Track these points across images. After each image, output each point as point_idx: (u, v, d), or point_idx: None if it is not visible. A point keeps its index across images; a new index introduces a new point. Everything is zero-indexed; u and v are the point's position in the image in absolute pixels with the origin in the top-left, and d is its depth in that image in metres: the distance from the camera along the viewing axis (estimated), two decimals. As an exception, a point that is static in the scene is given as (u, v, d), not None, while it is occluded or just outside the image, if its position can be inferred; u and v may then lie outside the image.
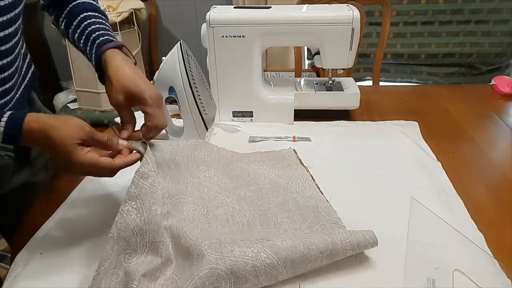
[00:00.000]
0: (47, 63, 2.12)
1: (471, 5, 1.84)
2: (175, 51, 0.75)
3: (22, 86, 0.68)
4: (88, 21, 0.63)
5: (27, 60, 0.71)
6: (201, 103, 0.77)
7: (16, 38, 0.62)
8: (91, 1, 0.67)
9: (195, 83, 0.77)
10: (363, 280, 0.48)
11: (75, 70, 1.69)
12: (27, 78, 0.70)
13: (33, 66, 0.70)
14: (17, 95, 0.65)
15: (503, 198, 0.64)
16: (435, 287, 0.47)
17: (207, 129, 0.78)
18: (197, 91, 0.77)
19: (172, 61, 0.75)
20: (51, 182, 0.74)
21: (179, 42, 0.76)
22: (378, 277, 0.49)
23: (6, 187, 0.70)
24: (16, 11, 0.59)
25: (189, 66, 0.76)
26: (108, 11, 1.68)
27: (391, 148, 0.79)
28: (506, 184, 0.68)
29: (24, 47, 0.69)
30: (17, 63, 0.64)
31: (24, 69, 0.69)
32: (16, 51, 0.63)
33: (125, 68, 0.56)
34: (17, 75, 0.65)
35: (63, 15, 0.66)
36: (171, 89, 0.77)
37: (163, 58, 0.77)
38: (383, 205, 0.62)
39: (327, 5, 1.08)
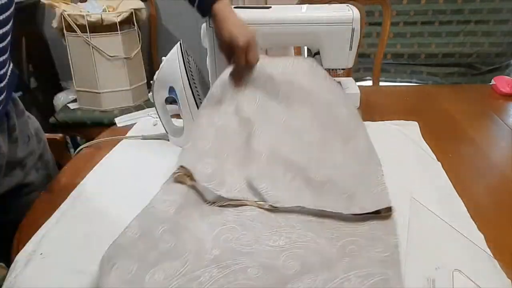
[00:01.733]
0: (47, 63, 2.12)
1: (471, 5, 1.84)
2: (175, 51, 0.75)
3: (6, 86, 0.67)
4: None
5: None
6: (201, 103, 0.77)
7: (9, 37, 0.62)
8: None
9: (195, 83, 0.77)
10: (363, 280, 0.48)
11: (75, 70, 1.69)
12: (7, 77, 0.69)
13: (11, 65, 0.70)
14: (5, 96, 0.65)
15: (503, 198, 0.64)
16: (435, 287, 0.47)
17: None
18: (197, 91, 0.77)
19: (172, 61, 0.75)
20: (51, 182, 0.74)
21: (179, 42, 0.76)
22: (378, 277, 0.49)
23: None
24: (11, 10, 0.59)
25: (189, 66, 0.76)
26: (108, 11, 1.68)
27: (391, 148, 0.78)
28: (506, 184, 0.68)
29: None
30: (7, 64, 0.64)
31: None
32: (8, 52, 0.63)
33: (228, 24, 0.72)
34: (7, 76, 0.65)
35: None
36: (171, 89, 0.77)
37: (163, 58, 0.77)
38: (383, 205, 0.62)
39: (327, 5, 1.08)
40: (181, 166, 0.62)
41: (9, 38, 0.62)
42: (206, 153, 0.65)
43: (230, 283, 0.46)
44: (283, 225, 0.57)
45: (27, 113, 0.78)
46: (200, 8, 0.76)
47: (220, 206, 0.60)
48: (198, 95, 0.77)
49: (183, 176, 0.61)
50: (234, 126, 0.71)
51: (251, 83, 0.76)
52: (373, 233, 0.54)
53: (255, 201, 0.60)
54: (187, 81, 0.74)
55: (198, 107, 0.76)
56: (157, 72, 0.77)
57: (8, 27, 0.60)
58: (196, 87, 0.77)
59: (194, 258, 0.50)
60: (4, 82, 0.63)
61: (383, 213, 0.57)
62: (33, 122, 0.80)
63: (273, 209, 0.59)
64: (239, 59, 0.71)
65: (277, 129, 0.72)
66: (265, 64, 0.77)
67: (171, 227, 0.53)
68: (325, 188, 0.62)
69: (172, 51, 0.75)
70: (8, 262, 0.54)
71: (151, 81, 0.79)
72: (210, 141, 0.67)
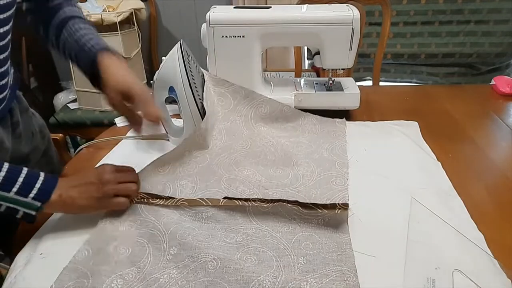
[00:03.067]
0: (47, 63, 2.12)
1: (471, 5, 1.84)
2: (175, 51, 0.75)
3: (9, 84, 0.68)
4: (76, 26, 0.67)
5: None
6: (201, 103, 0.77)
7: (10, 35, 0.63)
8: (74, 8, 0.71)
9: (195, 83, 0.77)
10: (363, 280, 0.48)
11: (75, 70, 1.69)
12: (9, 75, 0.69)
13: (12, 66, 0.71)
14: (8, 94, 0.66)
15: (503, 198, 0.64)
16: (435, 287, 0.47)
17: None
18: (197, 91, 0.77)
19: (172, 61, 0.75)
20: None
21: (179, 42, 0.76)
22: (378, 277, 0.49)
23: None
24: (13, 9, 0.60)
25: (189, 66, 0.76)
26: (108, 11, 1.68)
27: (391, 148, 0.79)
28: (506, 184, 0.68)
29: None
30: (8, 63, 0.65)
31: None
32: (9, 50, 0.64)
33: (119, 70, 0.62)
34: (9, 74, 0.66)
35: (47, 22, 0.69)
36: (171, 89, 0.77)
37: (163, 58, 0.77)
38: (383, 205, 0.62)
39: (327, 5, 1.08)
40: None
41: (9, 36, 0.62)
42: (159, 177, 0.67)
43: (189, 283, 0.48)
44: (240, 221, 0.58)
45: (31, 110, 0.79)
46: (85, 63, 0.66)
47: (174, 205, 0.61)
48: (198, 95, 0.77)
49: None
50: (196, 154, 0.74)
51: (218, 112, 0.81)
52: (326, 229, 0.56)
53: (210, 199, 0.61)
54: (187, 81, 0.74)
55: (198, 107, 0.76)
56: (157, 72, 0.77)
57: (8, 26, 0.60)
58: (196, 87, 0.77)
59: (152, 261, 0.51)
60: (5, 80, 0.64)
61: (338, 210, 0.57)
62: (37, 119, 0.81)
63: (229, 206, 0.60)
64: (145, 108, 0.61)
65: (239, 154, 0.75)
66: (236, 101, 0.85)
67: (124, 240, 0.55)
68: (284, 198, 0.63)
69: (172, 51, 0.75)
70: (10, 258, 0.55)
71: (151, 81, 0.79)
72: (167, 166, 0.69)
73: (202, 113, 0.77)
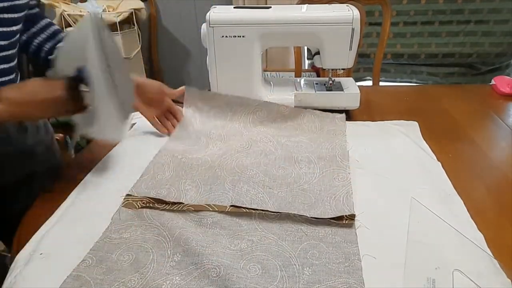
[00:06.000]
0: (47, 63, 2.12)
1: (471, 5, 1.84)
2: (85, 25, 0.59)
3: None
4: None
5: None
6: (118, 88, 0.62)
7: (18, 44, 0.68)
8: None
9: (109, 65, 0.60)
10: (364, 281, 0.48)
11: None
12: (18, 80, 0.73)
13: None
14: None
15: (503, 198, 0.64)
16: (435, 287, 0.47)
17: (126, 118, 0.68)
18: (113, 74, 0.61)
19: (81, 37, 0.59)
20: (58, 174, 0.75)
21: (89, 15, 0.60)
22: (378, 277, 0.49)
23: (9, 178, 0.74)
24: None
25: (105, 46, 0.60)
26: (108, 11, 1.68)
27: (391, 148, 0.79)
28: (506, 184, 0.68)
29: None
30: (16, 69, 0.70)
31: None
32: (17, 58, 0.70)
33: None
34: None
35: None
36: (79, 70, 0.61)
37: (68, 29, 0.64)
38: (383, 205, 0.62)
39: (327, 5, 1.08)
40: (128, 195, 0.64)
41: (18, 45, 0.66)
42: (162, 183, 0.67)
43: None
44: (245, 228, 0.57)
45: None
46: None
47: (180, 210, 0.61)
48: (114, 80, 0.61)
49: (131, 203, 0.63)
50: (197, 156, 0.74)
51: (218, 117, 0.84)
52: (334, 239, 0.55)
53: (216, 205, 0.61)
54: (101, 63, 0.59)
55: (115, 93, 0.61)
56: (59, 48, 0.68)
57: (16, 37, 0.64)
58: (110, 68, 0.60)
59: (155, 267, 0.51)
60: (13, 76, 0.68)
61: (346, 220, 0.57)
62: None
63: (235, 212, 0.60)
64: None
65: (240, 154, 0.75)
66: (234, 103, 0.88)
67: (128, 247, 0.55)
68: (289, 200, 0.63)
69: (79, 25, 0.62)
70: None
71: (50, 56, 0.75)
72: (168, 172, 0.70)
73: (121, 101, 0.63)
